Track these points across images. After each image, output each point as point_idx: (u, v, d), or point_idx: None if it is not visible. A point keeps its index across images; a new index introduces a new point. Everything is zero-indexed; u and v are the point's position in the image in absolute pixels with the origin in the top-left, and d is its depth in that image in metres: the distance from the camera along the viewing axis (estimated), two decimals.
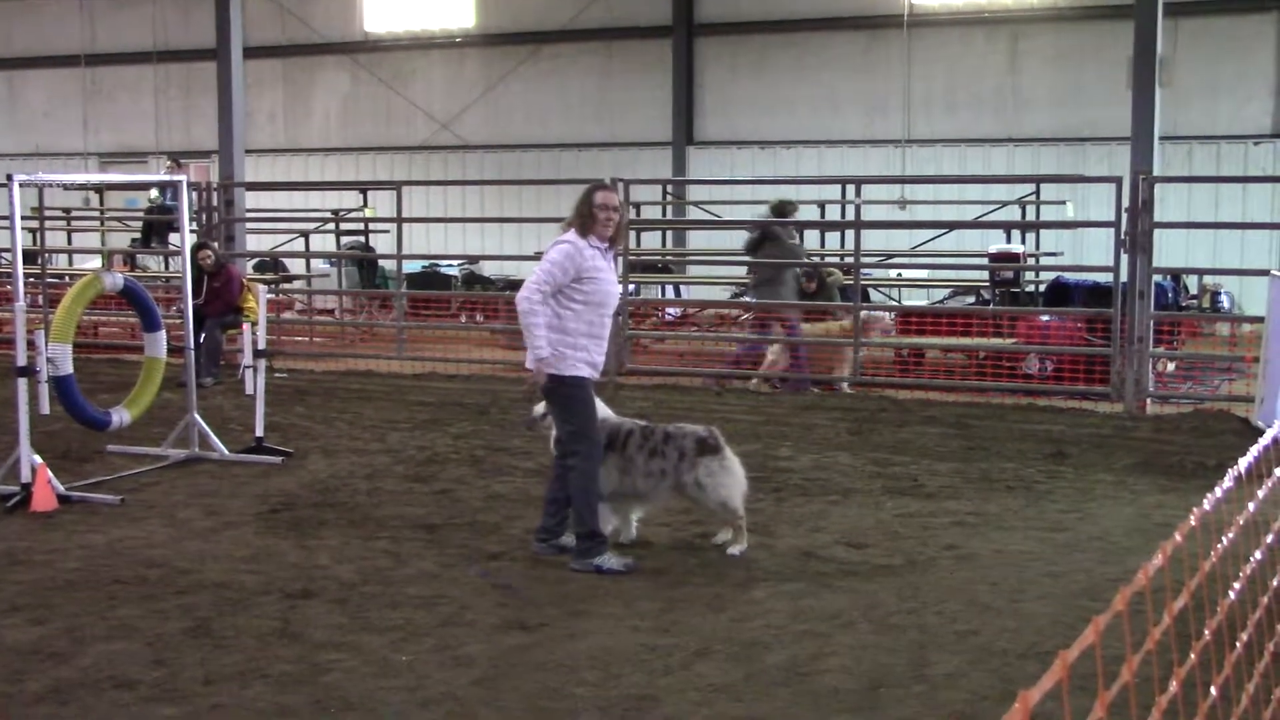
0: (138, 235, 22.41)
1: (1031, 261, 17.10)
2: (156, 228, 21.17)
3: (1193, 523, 2.34)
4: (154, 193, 21.67)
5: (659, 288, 20.57)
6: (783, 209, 14.46)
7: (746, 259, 15.14)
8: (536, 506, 8.06)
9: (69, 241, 22.01)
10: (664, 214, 22.00)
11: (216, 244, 15.81)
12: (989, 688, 5.15)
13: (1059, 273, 16.47)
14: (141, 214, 22.26)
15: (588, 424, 7.08)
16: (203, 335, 13.90)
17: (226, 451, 10.10)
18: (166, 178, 14.97)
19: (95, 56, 31.50)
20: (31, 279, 17.42)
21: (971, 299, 17.70)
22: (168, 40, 30.49)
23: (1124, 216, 12.50)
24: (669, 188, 22.03)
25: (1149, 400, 12.62)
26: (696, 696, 5.10)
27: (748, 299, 15.98)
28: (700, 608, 6.28)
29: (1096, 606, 6.20)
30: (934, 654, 5.56)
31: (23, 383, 8.51)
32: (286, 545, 7.50)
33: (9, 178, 9.26)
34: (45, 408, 8.82)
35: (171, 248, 20.37)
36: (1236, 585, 2.69)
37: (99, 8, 31.46)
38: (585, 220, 7.12)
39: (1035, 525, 8.00)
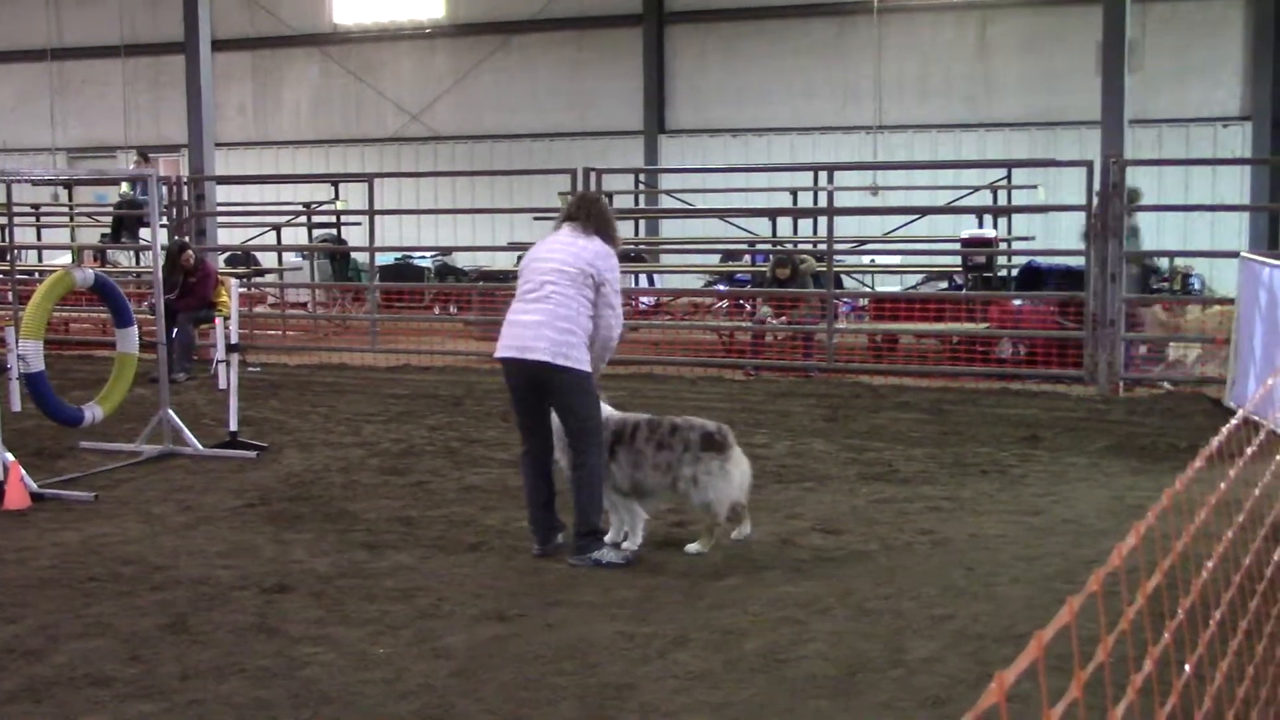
0: (108, 230, 22.27)
1: (1004, 246, 17.17)
2: (127, 223, 21.04)
3: (1165, 503, 2.35)
4: (124, 187, 21.55)
5: (632, 277, 20.55)
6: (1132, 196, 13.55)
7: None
8: (513, 497, 8.05)
9: (38, 237, 21.86)
10: (636, 203, 21.99)
11: (189, 237, 15.75)
12: (965, 672, 5.17)
13: (1031, 257, 16.54)
14: (111, 209, 22.12)
15: (599, 419, 6.97)
16: (175, 330, 13.83)
17: (200, 447, 10.04)
18: (136, 172, 14.87)
19: (62, 51, 31.27)
20: (0, 275, 17.31)
21: (944, 284, 17.76)
22: (135, 34, 30.28)
23: (1095, 200, 12.56)
24: (641, 177, 22.03)
25: (1122, 383, 12.70)
26: (675, 685, 5.11)
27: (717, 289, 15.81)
28: (677, 596, 6.28)
29: (1071, 589, 6.23)
30: (910, 639, 5.58)
31: None
32: (262, 540, 7.47)
33: None
34: (17, 405, 8.77)
35: (142, 243, 20.26)
36: (1209, 564, 2.71)
37: (65, 1, 31.21)
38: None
39: (1010, 509, 8.04)
